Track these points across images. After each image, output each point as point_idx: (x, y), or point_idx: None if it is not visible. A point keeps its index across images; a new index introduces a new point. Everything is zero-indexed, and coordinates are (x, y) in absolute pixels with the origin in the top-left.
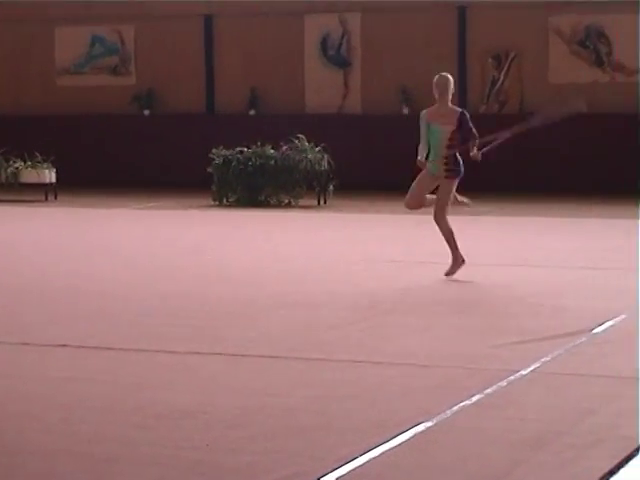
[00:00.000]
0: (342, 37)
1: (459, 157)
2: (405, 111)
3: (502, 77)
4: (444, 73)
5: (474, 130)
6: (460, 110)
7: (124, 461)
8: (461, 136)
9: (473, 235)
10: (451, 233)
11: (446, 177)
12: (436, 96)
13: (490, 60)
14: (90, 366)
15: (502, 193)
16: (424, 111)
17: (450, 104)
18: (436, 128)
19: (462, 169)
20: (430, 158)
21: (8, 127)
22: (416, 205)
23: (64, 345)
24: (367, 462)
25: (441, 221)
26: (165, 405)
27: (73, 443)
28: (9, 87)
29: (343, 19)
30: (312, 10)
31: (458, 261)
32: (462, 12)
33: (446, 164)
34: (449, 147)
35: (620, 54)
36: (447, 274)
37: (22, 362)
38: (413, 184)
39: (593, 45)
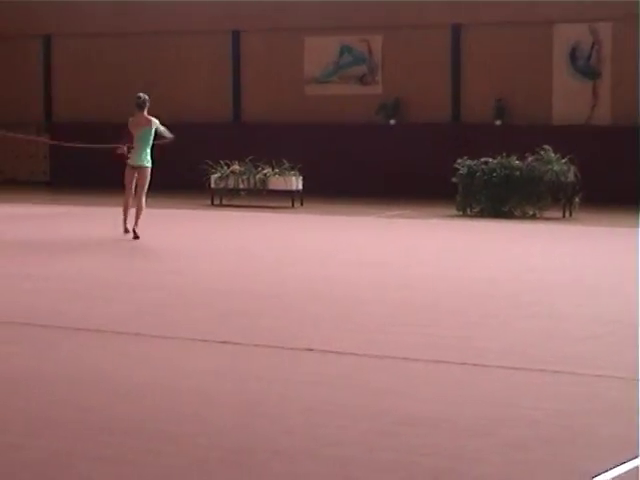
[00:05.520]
0: (592, 47)
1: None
2: None
3: None
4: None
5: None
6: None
7: (363, 465)
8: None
9: None
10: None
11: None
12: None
13: None
14: (334, 371)
15: None
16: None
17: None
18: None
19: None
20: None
21: (260, 134)
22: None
23: (310, 349)
24: (615, 477)
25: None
26: (407, 412)
27: (314, 445)
28: (263, 95)
29: (593, 29)
30: (562, 19)
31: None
32: None
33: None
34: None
35: None
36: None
37: (271, 365)
38: None
39: None
